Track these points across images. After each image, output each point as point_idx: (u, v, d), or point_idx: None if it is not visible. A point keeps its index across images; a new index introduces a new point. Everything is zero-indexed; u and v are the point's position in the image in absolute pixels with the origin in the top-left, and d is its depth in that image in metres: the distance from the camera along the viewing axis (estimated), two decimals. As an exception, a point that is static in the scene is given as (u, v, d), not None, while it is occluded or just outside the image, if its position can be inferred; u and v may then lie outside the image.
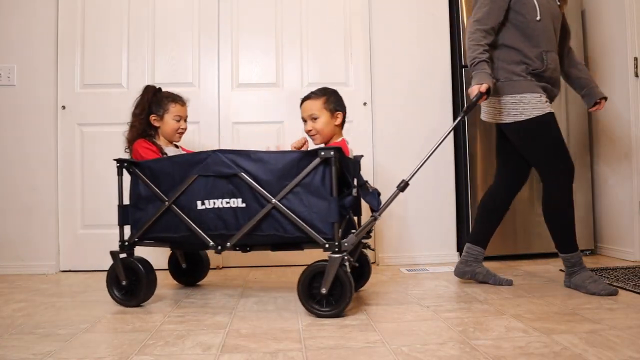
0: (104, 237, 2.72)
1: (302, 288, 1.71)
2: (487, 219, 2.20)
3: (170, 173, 1.88)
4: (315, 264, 1.70)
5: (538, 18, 1.98)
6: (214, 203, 1.80)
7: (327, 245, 1.70)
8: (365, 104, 2.81)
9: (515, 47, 2.01)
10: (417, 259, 2.75)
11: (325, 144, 2.02)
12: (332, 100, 2.00)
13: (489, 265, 2.64)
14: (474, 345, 1.35)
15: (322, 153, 1.70)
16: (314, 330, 1.53)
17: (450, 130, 1.98)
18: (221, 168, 1.79)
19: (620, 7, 2.75)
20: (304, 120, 2.03)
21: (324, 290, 1.66)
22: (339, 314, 1.67)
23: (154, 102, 2.16)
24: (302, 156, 1.75)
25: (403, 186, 1.81)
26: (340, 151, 1.74)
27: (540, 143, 1.98)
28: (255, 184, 1.75)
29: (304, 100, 2.04)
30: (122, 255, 1.95)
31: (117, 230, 2.71)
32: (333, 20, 2.86)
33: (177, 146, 2.28)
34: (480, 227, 2.22)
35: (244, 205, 1.77)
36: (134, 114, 2.15)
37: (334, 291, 1.68)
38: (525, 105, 1.97)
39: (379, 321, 1.62)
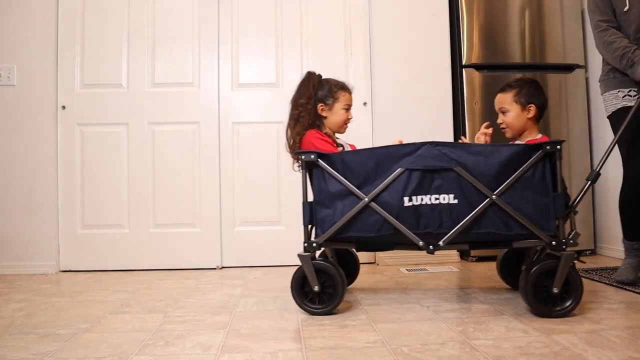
0: (104, 237, 2.73)
1: (530, 288, 1.61)
2: None
3: (368, 166, 1.71)
4: (543, 262, 1.63)
5: (626, 9, 1.98)
6: (422, 199, 1.68)
7: (554, 243, 1.64)
8: (365, 104, 2.81)
9: None
10: (417, 259, 2.74)
11: (516, 138, 1.95)
12: (524, 93, 1.90)
13: (489, 265, 2.65)
14: (474, 345, 1.35)
15: (548, 147, 1.64)
16: (314, 330, 1.53)
17: (629, 118, 1.89)
18: (434, 162, 1.67)
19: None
20: (498, 113, 1.97)
21: (555, 290, 1.59)
22: (567, 313, 1.61)
23: (319, 89, 1.97)
24: (526, 150, 1.68)
25: (595, 177, 1.77)
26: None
27: (619, 138, 1.97)
28: (474, 179, 1.66)
29: (497, 92, 1.98)
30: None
31: (117, 230, 2.75)
32: (333, 20, 2.86)
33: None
34: None
35: (455, 201, 1.67)
36: (300, 104, 1.95)
37: (569, 289, 1.61)
38: (607, 103, 2.13)
39: (379, 321, 1.62)
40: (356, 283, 2.27)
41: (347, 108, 2.00)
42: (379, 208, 1.69)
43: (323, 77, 2.02)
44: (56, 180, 2.72)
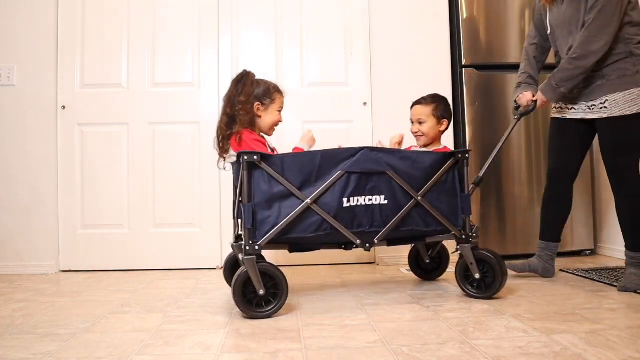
0: (104, 237, 2.73)
1: (460, 274, 1.95)
2: None
3: (309, 169, 1.76)
4: (461, 258, 1.94)
5: (549, 32, 2.20)
6: (357, 200, 1.79)
7: (464, 237, 1.92)
8: (365, 104, 2.81)
9: None
10: (417, 259, 2.74)
11: (426, 146, 2.18)
12: (441, 108, 2.15)
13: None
14: (474, 345, 1.36)
15: (459, 155, 1.93)
16: (314, 330, 1.53)
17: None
18: (371, 165, 1.81)
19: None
20: (412, 122, 2.19)
21: (477, 275, 1.88)
22: (489, 297, 1.88)
23: (256, 88, 1.95)
24: (444, 156, 1.93)
25: (479, 181, 2.02)
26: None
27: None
28: (403, 181, 1.84)
29: (414, 104, 2.20)
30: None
31: (117, 230, 2.75)
32: (333, 20, 2.86)
33: None
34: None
35: (385, 202, 1.82)
36: (240, 102, 1.90)
37: (487, 275, 1.90)
38: None
39: (379, 321, 1.62)
40: (356, 283, 2.27)
41: (280, 110, 2.01)
42: (320, 209, 1.75)
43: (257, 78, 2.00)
44: (56, 180, 2.72)
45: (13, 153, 2.69)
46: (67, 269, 2.71)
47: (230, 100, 1.93)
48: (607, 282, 2.10)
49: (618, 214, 2.08)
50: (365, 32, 2.86)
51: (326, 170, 1.77)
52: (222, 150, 1.93)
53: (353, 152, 1.80)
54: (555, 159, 2.25)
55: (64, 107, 2.73)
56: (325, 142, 2.78)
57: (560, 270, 2.39)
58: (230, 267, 2.11)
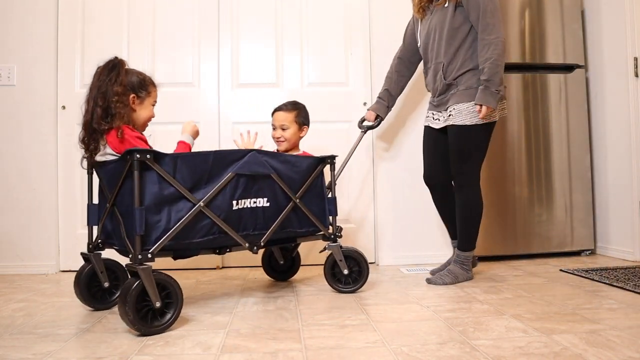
0: (104, 237, 2.73)
1: (328, 272, 2.08)
2: None
3: (202, 170, 1.68)
4: (329, 256, 2.07)
5: (419, 43, 2.32)
6: (244, 203, 1.78)
7: (332, 236, 2.06)
8: (365, 104, 2.81)
9: None
10: (417, 259, 2.74)
11: (287, 151, 2.24)
12: (302, 115, 2.25)
13: (488, 265, 2.65)
14: (474, 345, 1.36)
15: (329, 160, 2.05)
16: (314, 330, 1.53)
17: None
18: (259, 168, 1.82)
19: (619, 7, 2.75)
20: (274, 128, 2.26)
21: (346, 271, 2.04)
22: (356, 290, 2.05)
23: (130, 78, 1.75)
24: (316, 161, 2.03)
25: (331, 187, 2.12)
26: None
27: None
28: (284, 184, 1.89)
29: (277, 110, 2.26)
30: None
31: (117, 230, 2.74)
32: (333, 20, 2.86)
33: None
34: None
35: (267, 204, 1.85)
36: (116, 93, 1.67)
37: (353, 270, 2.07)
38: None
39: (379, 321, 1.62)
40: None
41: (154, 105, 1.84)
42: (212, 213, 1.69)
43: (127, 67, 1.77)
44: (56, 180, 2.72)
45: (13, 153, 2.68)
46: (67, 269, 2.71)
47: (101, 90, 1.69)
48: (607, 282, 2.10)
49: (456, 215, 2.21)
50: (365, 32, 2.86)
51: (216, 172, 1.72)
52: (93, 148, 1.70)
53: (242, 154, 1.79)
54: (429, 166, 2.32)
55: (64, 107, 2.73)
56: (325, 142, 2.82)
57: (560, 270, 2.39)
58: (86, 280, 1.83)
